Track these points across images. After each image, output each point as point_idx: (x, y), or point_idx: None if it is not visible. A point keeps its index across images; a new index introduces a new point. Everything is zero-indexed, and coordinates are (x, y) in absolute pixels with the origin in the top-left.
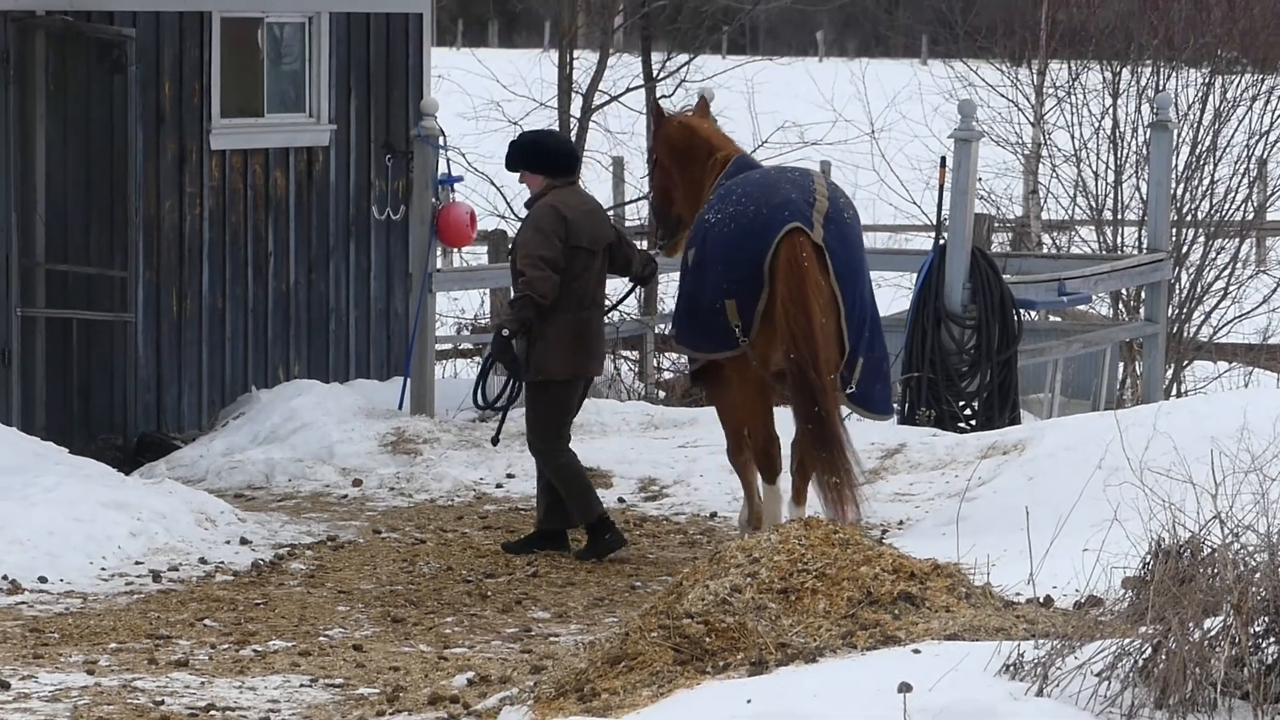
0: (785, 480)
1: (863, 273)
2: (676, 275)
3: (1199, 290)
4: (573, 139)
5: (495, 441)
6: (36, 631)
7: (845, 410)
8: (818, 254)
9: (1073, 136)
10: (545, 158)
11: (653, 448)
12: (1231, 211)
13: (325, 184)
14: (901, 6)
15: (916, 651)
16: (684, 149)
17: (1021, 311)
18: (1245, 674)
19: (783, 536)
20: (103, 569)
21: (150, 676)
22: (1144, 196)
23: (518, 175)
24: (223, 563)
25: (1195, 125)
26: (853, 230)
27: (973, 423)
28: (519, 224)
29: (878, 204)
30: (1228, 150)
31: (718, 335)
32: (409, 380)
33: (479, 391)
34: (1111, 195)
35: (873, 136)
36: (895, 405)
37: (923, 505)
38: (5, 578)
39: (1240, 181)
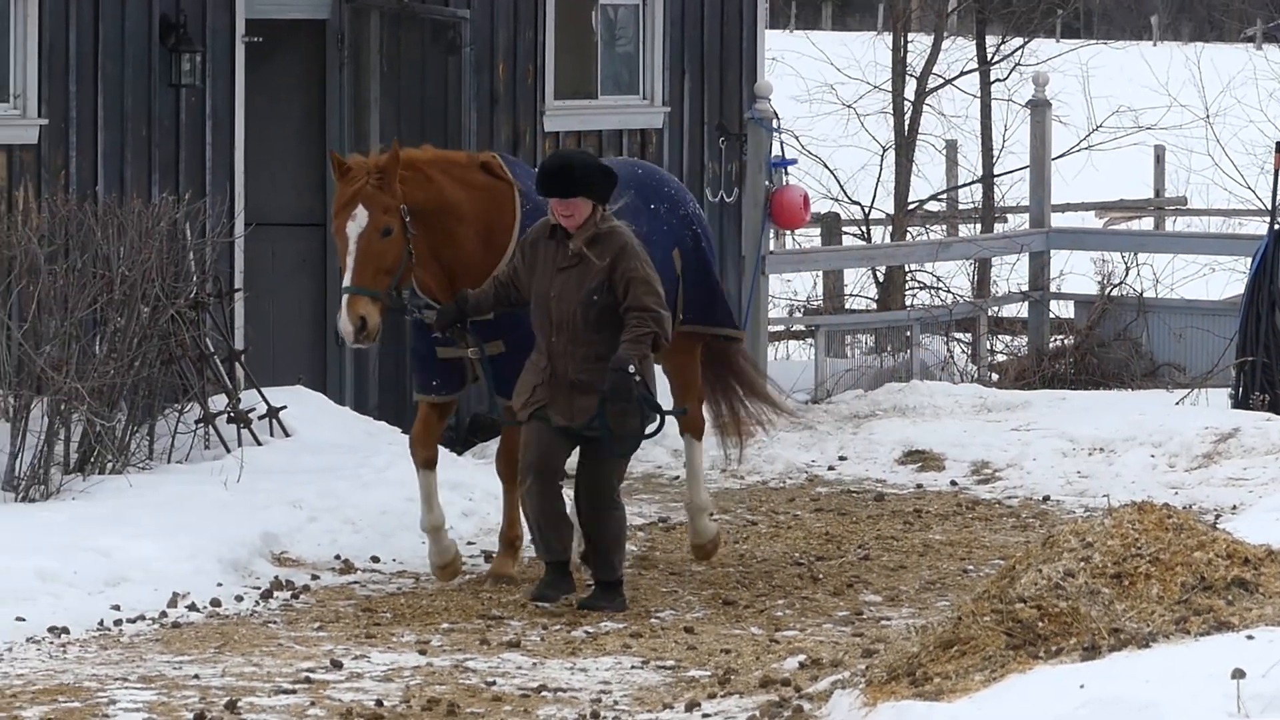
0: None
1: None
2: (1010, 258)
3: None
4: (905, 123)
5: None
6: (369, 611)
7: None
8: None
9: None
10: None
11: (985, 430)
12: None
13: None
14: None
15: (1250, 638)
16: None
17: None
18: None
19: (1116, 521)
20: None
21: (482, 657)
22: None
23: (554, 204)
24: None
25: None
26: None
27: None
28: (608, 250)
29: (1211, 189)
30: None
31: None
32: None
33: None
34: None
35: (1207, 121)
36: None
37: (1256, 490)
38: (338, 557)
39: None
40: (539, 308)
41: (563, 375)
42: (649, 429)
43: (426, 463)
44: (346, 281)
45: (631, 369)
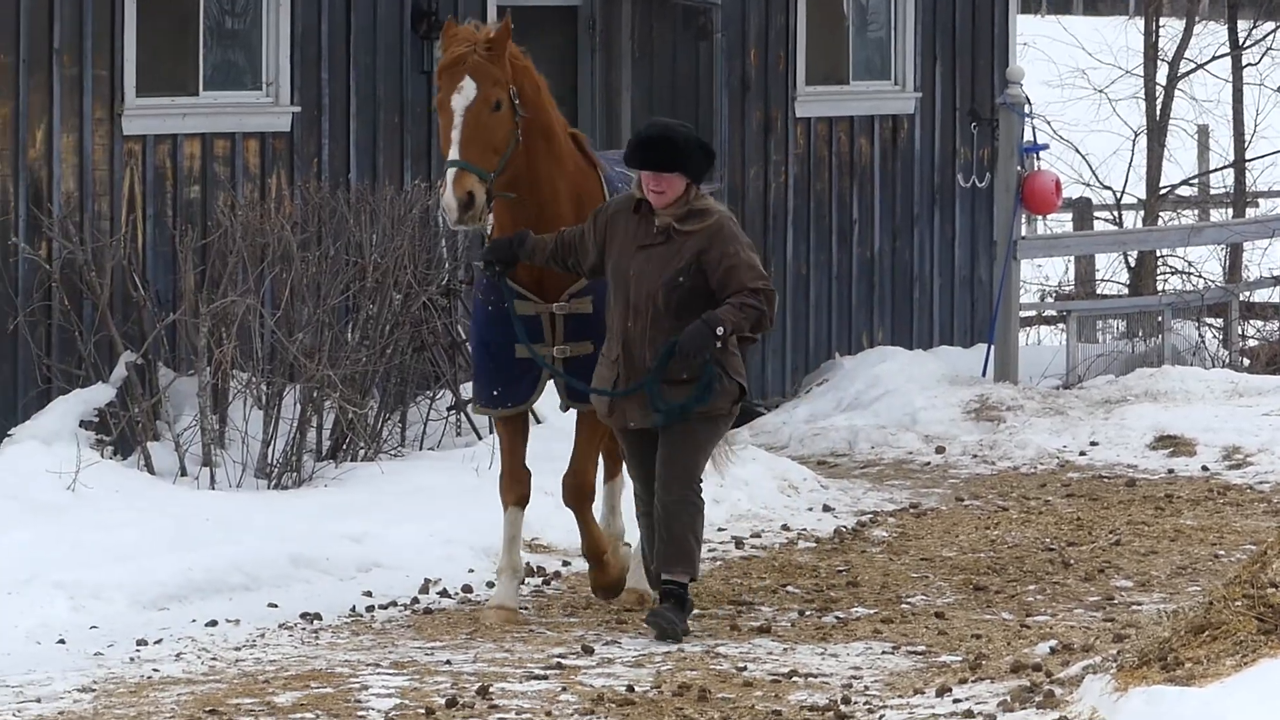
0: None
1: None
2: (1262, 243)
3: None
4: (1156, 108)
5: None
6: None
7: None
8: None
9: None
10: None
11: (1236, 415)
12: None
13: (910, 151)
14: None
15: None
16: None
17: None
18: None
19: None
20: None
21: (733, 642)
22: None
23: (646, 178)
24: (805, 529)
25: None
26: None
27: None
28: (700, 230)
29: None
30: None
31: None
32: (993, 347)
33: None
34: None
35: None
36: None
37: None
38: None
39: None
40: (616, 288)
41: (639, 364)
42: (696, 405)
43: (519, 501)
44: (453, 156)
45: (720, 330)
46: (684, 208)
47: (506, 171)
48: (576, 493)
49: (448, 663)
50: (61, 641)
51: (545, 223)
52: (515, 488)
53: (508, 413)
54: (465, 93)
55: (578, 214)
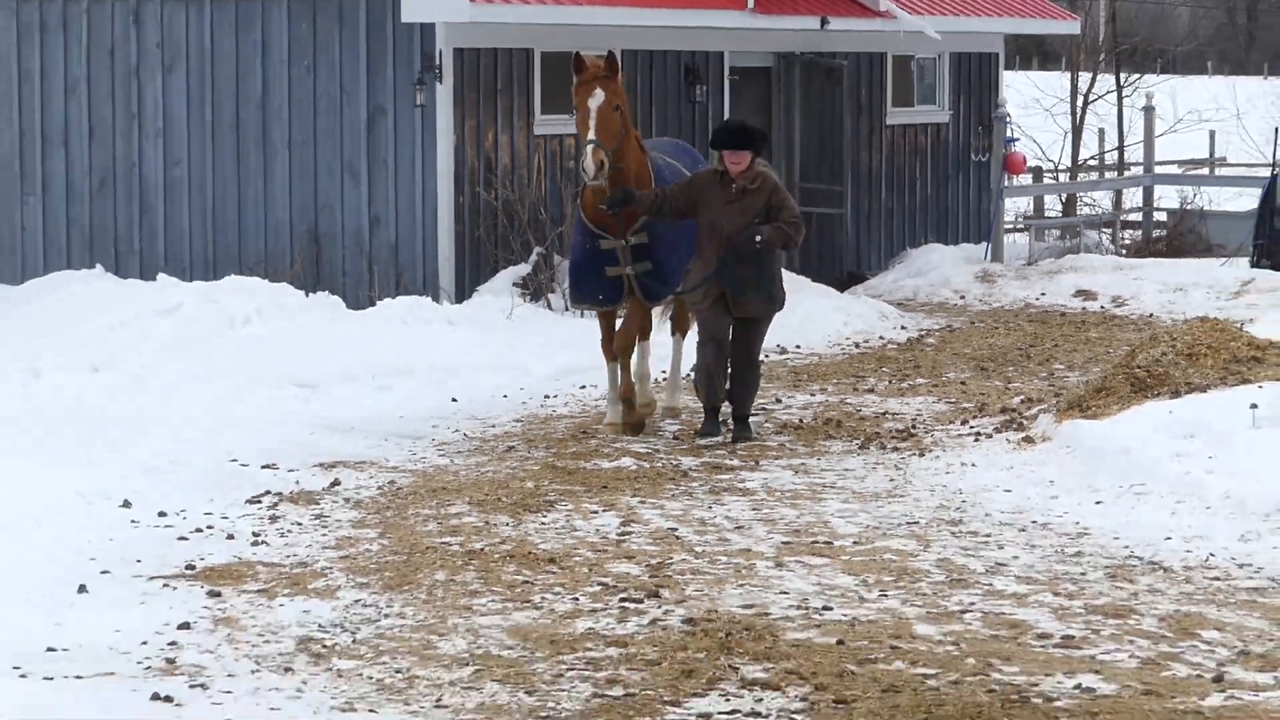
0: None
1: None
2: (1134, 189)
3: None
4: (1078, 118)
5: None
6: (795, 372)
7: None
8: None
9: None
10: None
11: (1119, 279)
12: None
13: (946, 142)
14: None
15: (1260, 387)
16: None
17: None
18: None
19: (1188, 327)
20: (828, 341)
21: (853, 395)
22: None
23: (727, 154)
24: (891, 339)
25: None
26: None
27: None
28: (764, 188)
29: None
30: None
31: None
32: (990, 244)
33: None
34: None
35: None
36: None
37: (1263, 311)
38: (777, 345)
39: None
40: (711, 231)
41: (729, 276)
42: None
43: (613, 357)
44: (591, 136)
45: (759, 239)
46: (752, 174)
47: (614, 153)
48: (624, 349)
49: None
50: (505, 397)
51: (625, 183)
52: (611, 350)
53: (607, 309)
54: (597, 98)
55: (639, 179)
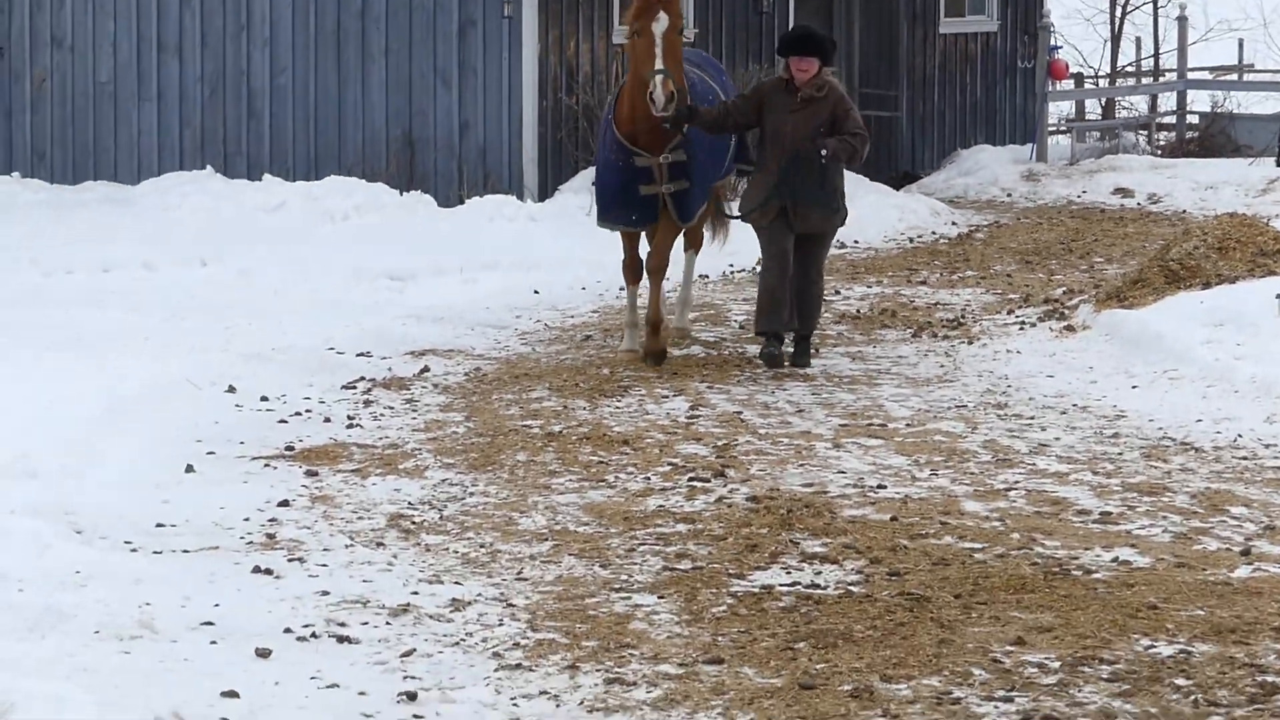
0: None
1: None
2: (1169, 93)
3: None
4: (1118, 28)
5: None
6: (853, 265)
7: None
8: None
9: None
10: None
11: (1155, 177)
12: None
13: (995, 50)
14: None
15: None
16: None
17: None
18: None
19: (1219, 221)
20: (884, 236)
21: (907, 286)
22: None
23: (794, 61)
24: (943, 234)
25: None
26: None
27: None
28: (830, 97)
29: None
30: None
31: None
32: (1035, 145)
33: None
34: None
35: None
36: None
37: None
38: (837, 240)
39: None
40: (774, 141)
41: (790, 188)
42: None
43: (635, 281)
44: (659, 65)
45: (824, 152)
46: (817, 82)
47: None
48: (657, 270)
49: None
50: (583, 289)
51: (683, 102)
52: (634, 273)
53: (636, 229)
54: (662, 22)
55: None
